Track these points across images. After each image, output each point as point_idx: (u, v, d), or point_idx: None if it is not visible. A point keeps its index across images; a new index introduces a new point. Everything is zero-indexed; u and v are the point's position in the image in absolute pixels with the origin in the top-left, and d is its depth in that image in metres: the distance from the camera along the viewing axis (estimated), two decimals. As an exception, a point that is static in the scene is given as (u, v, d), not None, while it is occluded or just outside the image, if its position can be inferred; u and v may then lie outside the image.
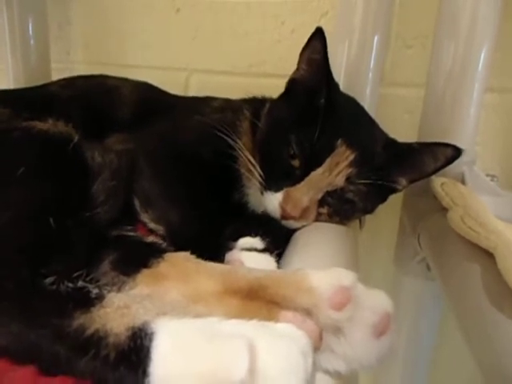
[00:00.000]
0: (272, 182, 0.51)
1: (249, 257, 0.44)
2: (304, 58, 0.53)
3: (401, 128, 0.60)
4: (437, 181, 0.57)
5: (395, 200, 0.62)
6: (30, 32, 0.87)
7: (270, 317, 0.30)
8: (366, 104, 0.61)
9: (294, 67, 0.56)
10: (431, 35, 0.63)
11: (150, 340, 0.27)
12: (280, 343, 0.27)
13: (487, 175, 0.67)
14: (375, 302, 0.31)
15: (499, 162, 0.73)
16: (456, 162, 0.51)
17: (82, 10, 0.95)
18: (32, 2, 0.87)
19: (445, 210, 0.53)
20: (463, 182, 0.60)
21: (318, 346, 0.30)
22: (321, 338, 0.30)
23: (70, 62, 0.97)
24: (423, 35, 0.72)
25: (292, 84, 0.56)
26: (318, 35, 0.50)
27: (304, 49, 0.53)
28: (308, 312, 0.31)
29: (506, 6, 0.58)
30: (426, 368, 0.76)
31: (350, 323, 0.30)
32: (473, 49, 0.59)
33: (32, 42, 0.88)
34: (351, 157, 0.49)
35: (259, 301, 0.32)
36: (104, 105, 0.58)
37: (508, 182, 0.71)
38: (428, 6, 0.69)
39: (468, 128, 0.62)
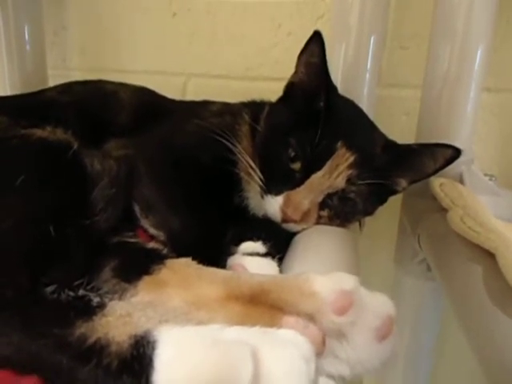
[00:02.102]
0: (272, 186, 0.51)
1: (251, 261, 0.44)
2: (302, 62, 0.54)
3: (398, 129, 0.60)
4: (436, 181, 0.57)
5: (395, 201, 0.62)
6: (27, 38, 0.87)
7: (273, 322, 0.30)
8: (364, 105, 0.61)
9: (290, 70, 0.56)
10: (427, 36, 0.63)
11: (153, 348, 0.27)
12: (282, 349, 0.27)
13: (485, 175, 0.67)
14: (377, 305, 0.31)
15: (497, 162, 0.73)
16: (454, 162, 0.51)
17: (77, 16, 0.94)
18: (28, 8, 0.87)
19: (444, 210, 0.53)
20: (462, 181, 0.60)
21: (320, 351, 0.30)
22: (324, 342, 0.30)
23: (66, 69, 0.96)
24: (419, 36, 0.72)
25: (290, 88, 0.56)
26: (316, 38, 0.50)
27: (302, 52, 0.53)
28: (311, 317, 0.31)
29: (500, 5, 0.58)
30: (428, 368, 0.76)
31: (353, 327, 0.30)
32: (469, 49, 0.59)
33: (28, 47, 0.87)
34: (351, 159, 0.49)
35: (262, 306, 0.32)
36: (102, 110, 0.58)
37: (506, 181, 0.71)
38: (423, 7, 0.69)
39: (465, 128, 0.62)
